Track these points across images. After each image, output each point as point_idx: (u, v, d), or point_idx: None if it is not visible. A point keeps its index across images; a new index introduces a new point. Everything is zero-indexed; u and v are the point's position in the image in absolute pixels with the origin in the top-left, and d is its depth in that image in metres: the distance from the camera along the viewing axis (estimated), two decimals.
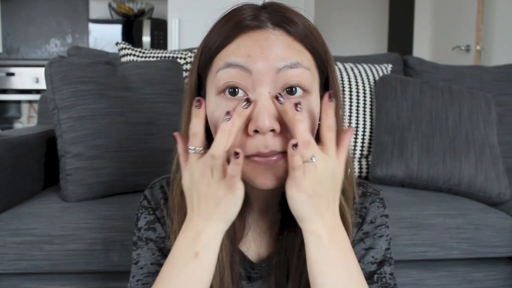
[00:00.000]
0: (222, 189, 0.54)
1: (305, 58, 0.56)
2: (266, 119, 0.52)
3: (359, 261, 0.66)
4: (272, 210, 0.68)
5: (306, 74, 0.55)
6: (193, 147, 0.55)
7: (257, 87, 0.54)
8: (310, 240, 0.56)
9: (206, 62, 0.58)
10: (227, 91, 0.55)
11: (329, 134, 0.55)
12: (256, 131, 0.53)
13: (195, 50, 0.63)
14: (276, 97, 0.53)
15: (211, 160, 0.53)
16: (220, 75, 0.55)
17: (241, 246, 0.69)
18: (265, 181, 0.56)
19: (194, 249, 0.57)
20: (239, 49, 0.54)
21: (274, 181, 0.56)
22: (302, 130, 0.52)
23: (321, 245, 0.55)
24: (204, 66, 0.59)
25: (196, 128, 0.55)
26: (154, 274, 0.68)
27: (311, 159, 0.52)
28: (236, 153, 0.51)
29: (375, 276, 0.66)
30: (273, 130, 0.54)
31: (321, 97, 0.57)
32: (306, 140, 0.52)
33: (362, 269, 0.65)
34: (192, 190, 0.57)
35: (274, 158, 0.55)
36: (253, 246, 0.69)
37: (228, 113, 0.52)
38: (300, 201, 0.54)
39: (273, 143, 0.54)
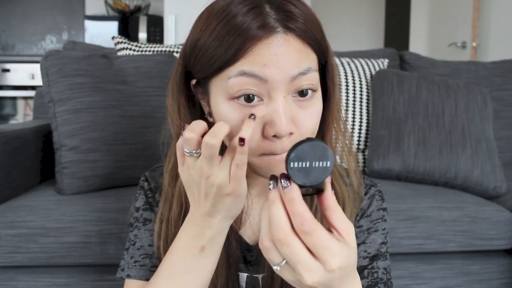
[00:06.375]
0: (227, 189, 0.53)
1: (313, 60, 0.57)
2: (284, 124, 0.53)
3: None
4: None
5: (315, 76, 0.57)
6: (188, 150, 0.53)
7: (273, 94, 0.54)
8: None
9: (213, 70, 0.55)
10: (242, 97, 0.54)
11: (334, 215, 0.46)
12: (274, 136, 0.54)
13: None
14: None
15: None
16: (233, 82, 0.54)
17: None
18: (271, 173, 0.55)
19: (200, 244, 0.57)
20: (255, 58, 0.53)
21: (280, 172, 0.57)
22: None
23: None
24: (206, 71, 0.56)
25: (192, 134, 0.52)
26: (151, 256, 0.68)
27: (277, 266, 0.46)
28: (242, 140, 0.50)
29: (366, 271, 0.66)
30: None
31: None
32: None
33: None
34: (192, 187, 0.56)
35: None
36: (250, 229, 0.70)
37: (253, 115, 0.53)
38: None
39: (289, 143, 0.55)
